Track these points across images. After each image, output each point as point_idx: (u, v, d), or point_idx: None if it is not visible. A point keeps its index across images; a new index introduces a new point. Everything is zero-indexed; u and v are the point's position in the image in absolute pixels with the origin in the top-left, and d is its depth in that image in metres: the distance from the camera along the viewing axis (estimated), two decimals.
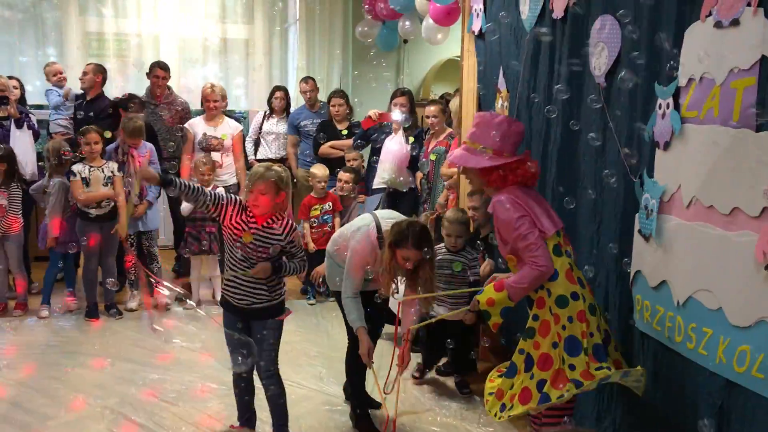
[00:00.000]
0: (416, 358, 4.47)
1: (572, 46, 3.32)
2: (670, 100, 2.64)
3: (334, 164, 6.17)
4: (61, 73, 6.39)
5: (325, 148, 6.38)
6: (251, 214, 3.23)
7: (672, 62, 2.61)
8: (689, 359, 2.56)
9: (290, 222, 3.32)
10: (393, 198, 6.03)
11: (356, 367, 3.75)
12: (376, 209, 5.70)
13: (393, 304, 3.91)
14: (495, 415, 3.01)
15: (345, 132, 6.41)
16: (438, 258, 4.09)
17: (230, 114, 6.78)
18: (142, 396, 4.12)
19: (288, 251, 3.33)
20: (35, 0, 7.22)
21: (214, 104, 5.96)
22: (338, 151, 6.37)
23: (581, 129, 3.30)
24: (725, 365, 2.28)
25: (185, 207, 5.69)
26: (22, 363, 4.59)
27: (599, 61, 3.19)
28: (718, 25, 2.31)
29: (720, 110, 2.29)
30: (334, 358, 4.67)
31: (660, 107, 2.72)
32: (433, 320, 3.76)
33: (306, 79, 7.03)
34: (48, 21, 7.30)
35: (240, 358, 3.30)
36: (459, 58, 7.38)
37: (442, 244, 4.24)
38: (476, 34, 4.42)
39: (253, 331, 3.35)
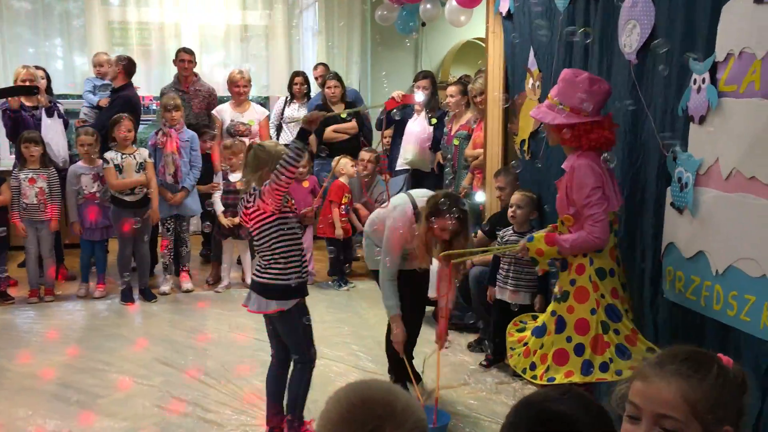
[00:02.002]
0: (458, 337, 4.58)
1: (605, 24, 3.39)
2: (707, 75, 2.71)
3: (337, 148, 6.15)
4: (102, 65, 6.48)
5: (329, 133, 6.42)
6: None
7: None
8: (726, 326, 2.65)
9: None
10: (416, 178, 6.14)
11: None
12: (400, 191, 5.83)
13: (433, 274, 4.02)
14: (523, 371, 3.10)
15: (343, 115, 6.46)
16: (505, 240, 4.21)
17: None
18: (185, 375, 4.25)
19: None
20: None
21: (243, 89, 6.05)
22: (342, 135, 6.43)
23: (614, 105, 3.37)
24: None
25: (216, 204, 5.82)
26: (64, 346, 4.71)
27: (630, 38, 3.26)
28: (758, 0, 2.38)
29: (761, 84, 2.37)
30: (366, 337, 4.80)
31: (695, 82, 2.79)
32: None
33: (316, 66, 7.15)
34: (72, 11, 7.39)
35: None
36: (478, 41, 7.48)
37: (509, 228, 4.31)
38: (504, 14, 4.48)
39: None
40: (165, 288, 5.84)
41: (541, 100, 4.07)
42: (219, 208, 5.79)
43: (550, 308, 3.16)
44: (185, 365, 4.39)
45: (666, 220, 3.05)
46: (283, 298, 3.26)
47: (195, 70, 6.52)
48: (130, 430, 3.59)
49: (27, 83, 5.70)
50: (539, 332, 3.14)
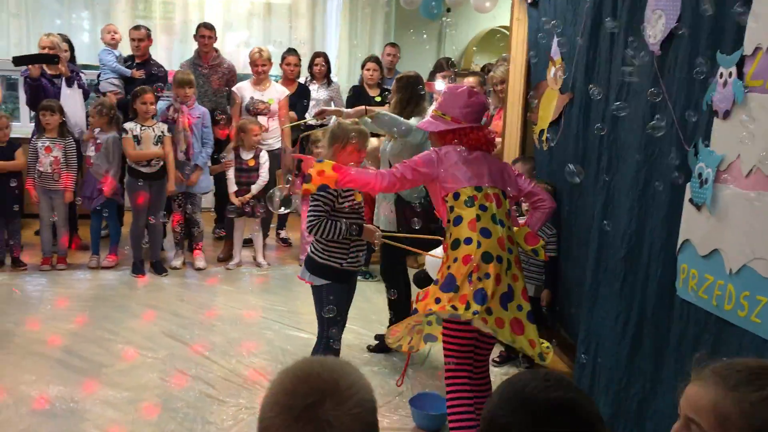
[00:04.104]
0: None
1: (631, 15, 3.31)
2: (734, 69, 2.63)
3: None
4: (115, 32, 6.48)
5: None
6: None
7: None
8: (738, 327, 2.58)
9: None
10: None
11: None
12: None
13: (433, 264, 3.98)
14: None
15: (378, 98, 6.41)
16: None
17: None
18: (190, 349, 4.26)
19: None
20: None
21: (262, 68, 6.02)
22: None
23: (634, 96, 3.30)
24: None
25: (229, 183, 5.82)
26: (73, 314, 4.74)
27: (655, 29, 3.18)
28: None
29: None
30: (374, 321, 4.78)
31: (721, 76, 2.71)
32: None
33: (393, 44, 7.20)
34: None
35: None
36: (501, 29, 7.39)
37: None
38: (529, 2, 4.40)
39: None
40: (176, 263, 5.85)
41: (562, 90, 4.01)
42: (232, 187, 5.78)
43: None
44: (191, 340, 4.40)
45: (684, 217, 2.98)
46: (314, 274, 3.48)
47: (216, 46, 6.50)
48: (132, 401, 3.60)
49: (48, 51, 5.70)
50: None
